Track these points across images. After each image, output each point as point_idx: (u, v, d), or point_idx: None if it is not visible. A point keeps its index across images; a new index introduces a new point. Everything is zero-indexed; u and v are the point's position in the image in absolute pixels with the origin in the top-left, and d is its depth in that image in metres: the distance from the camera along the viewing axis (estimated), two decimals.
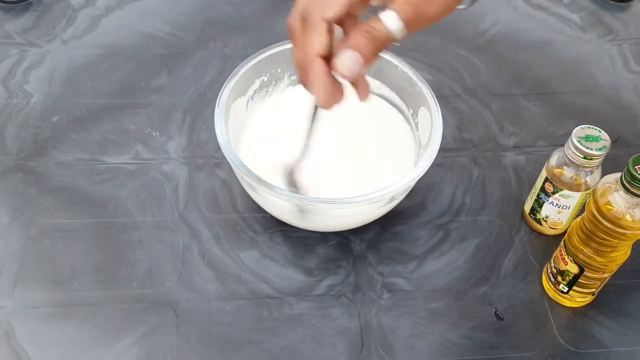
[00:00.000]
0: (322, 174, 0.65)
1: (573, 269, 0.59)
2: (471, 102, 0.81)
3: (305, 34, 0.42)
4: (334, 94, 0.43)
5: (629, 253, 0.57)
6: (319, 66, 0.41)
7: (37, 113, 0.75)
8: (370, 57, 0.43)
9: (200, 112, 0.77)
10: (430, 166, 0.60)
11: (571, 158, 0.60)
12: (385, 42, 0.43)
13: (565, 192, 0.63)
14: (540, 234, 0.69)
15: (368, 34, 0.42)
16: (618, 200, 0.53)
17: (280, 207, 0.62)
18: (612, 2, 0.94)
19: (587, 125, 0.60)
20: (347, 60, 0.42)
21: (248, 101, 0.69)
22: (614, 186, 0.53)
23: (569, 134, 0.60)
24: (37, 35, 0.84)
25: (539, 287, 0.65)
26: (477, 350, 0.60)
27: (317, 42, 0.41)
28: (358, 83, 0.47)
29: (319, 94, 0.42)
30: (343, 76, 0.43)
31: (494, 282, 0.65)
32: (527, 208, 0.68)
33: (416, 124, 0.68)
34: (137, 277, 0.62)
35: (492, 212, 0.70)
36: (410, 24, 0.43)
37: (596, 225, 0.55)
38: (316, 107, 0.49)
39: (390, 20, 0.42)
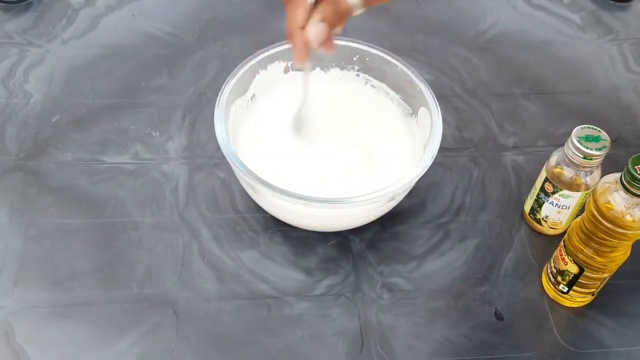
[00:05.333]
0: (322, 174, 0.65)
1: (573, 269, 0.59)
2: (471, 102, 0.81)
3: (290, 10, 0.53)
4: (307, 54, 0.55)
5: (628, 253, 0.57)
6: (300, 36, 0.53)
7: (37, 113, 0.75)
8: (334, 23, 0.53)
9: (200, 112, 0.77)
10: (430, 166, 0.60)
11: (571, 158, 0.60)
12: (347, 12, 0.52)
13: (565, 192, 0.63)
14: (540, 234, 0.69)
15: (333, 6, 0.52)
16: (618, 200, 0.53)
17: (279, 207, 0.62)
18: (612, 2, 0.94)
19: (586, 125, 0.60)
20: (314, 33, 0.52)
21: (248, 101, 0.69)
22: (613, 186, 0.53)
23: (568, 133, 0.60)
24: (37, 35, 0.84)
25: (538, 287, 0.65)
26: (477, 350, 0.60)
27: (299, 17, 0.52)
28: (326, 43, 0.55)
29: (297, 56, 0.55)
30: (313, 44, 0.53)
31: (494, 282, 0.65)
32: (527, 208, 0.68)
33: (416, 124, 0.68)
34: (137, 277, 0.62)
35: (492, 212, 0.70)
36: None
37: (596, 225, 0.55)
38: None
39: None
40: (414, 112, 0.69)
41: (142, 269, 0.63)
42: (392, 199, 0.62)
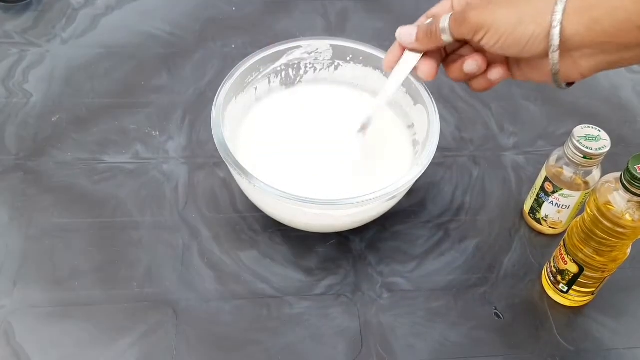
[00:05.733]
0: (321, 175, 0.65)
1: (573, 268, 0.59)
2: (471, 102, 0.81)
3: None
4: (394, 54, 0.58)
5: (628, 253, 0.57)
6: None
7: (36, 113, 0.75)
8: (422, 38, 0.54)
9: (200, 112, 0.77)
10: (430, 166, 0.60)
11: (571, 158, 0.60)
12: (435, 34, 0.53)
13: (565, 191, 0.63)
14: (540, 233, 0.69)
15: (429, 25, 0.53)
16: (618, 200, 0.53)
17: (278, 208, 0.62)
18: None
19: (587, 125, 0.60)
20: (401, 32, 0.55)
21: (248, 101, 0.69)
22: (613, 185, 0.53)
23: (568, 133, 0.60)
24: (37, 34, 0.84)
25: (538, 287, 0.65)
26: (477, 350, 0.60)
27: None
28: (421, 64, 0.57)
29: (386, 58, 0.59)
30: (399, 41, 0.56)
31: (494, 282, 0.65)
32: (527, 208, 0.68)
33: (414, 123, 0.68)
34: (137, 276, 0.62)
35: (492, 212, 0.70)
36: (454, 26, 0.51)
37: (596, 225, 0.55)
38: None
39: (444, 19, 0.52)
40: (412, 111, 0.68)
41: (142, 269, 0.63)
42: (392, 198, 0.62)
